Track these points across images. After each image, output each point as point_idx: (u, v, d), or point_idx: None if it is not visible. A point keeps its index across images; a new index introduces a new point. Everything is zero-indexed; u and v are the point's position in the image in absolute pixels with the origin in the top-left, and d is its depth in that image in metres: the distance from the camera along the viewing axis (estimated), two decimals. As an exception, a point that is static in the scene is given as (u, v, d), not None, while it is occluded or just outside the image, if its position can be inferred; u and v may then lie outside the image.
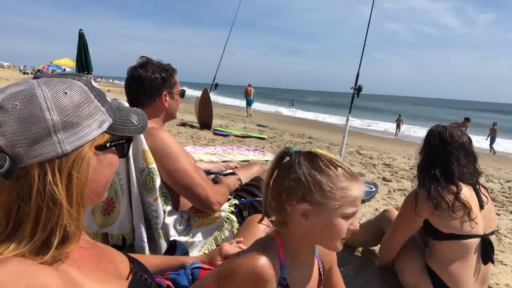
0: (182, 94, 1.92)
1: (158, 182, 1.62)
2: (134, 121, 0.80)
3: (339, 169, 0.96)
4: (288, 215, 0.95)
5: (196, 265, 1.12)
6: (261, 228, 1.46)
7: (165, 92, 1.79)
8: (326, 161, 0.96)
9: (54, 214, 0.65)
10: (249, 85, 20.57)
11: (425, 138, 1.98)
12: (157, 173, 1.62)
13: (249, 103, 20.29)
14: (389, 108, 46.80)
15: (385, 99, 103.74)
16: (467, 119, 15.45)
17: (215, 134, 8.03)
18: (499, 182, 6.26)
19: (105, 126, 0.73)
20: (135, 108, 0.85)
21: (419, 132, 19.16)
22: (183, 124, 8.98)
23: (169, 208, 1.67)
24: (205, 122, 8.86)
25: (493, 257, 1.86)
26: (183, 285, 1.03)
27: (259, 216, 1.65)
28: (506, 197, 4.88)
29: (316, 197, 0.92)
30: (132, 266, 0.86)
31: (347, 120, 6.06)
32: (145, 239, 1.64)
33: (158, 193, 1.62)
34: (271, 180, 1.00)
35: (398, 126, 20.51)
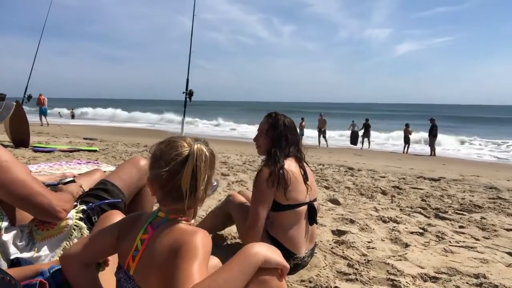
0: (1, 98, 1.71)
1: (-13, 197, 1.42)
2: None
3: None
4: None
5: (57, 268, 1.06)
6: None
7: None
8: None
9: None
10: (41, 95, 19.99)
11: (272, 124, 2.24)
12: (-16, 187, 1.41)
13: (43, 113, 19.76)
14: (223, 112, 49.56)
15: (215, 105, 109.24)
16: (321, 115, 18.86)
17: (35, 151, 7.05)
18: (313, 166, 7.49)
19: None
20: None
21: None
22: (-9, 144, 7.57)
23: (5, 224, 1.47)
24: (20, 139, 7.64)
25: (316, 219, 2.30)
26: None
27: (114, 212, 1.63)
28: (319, 176, 5.90)
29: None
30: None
31: (183, 123, 6.25)
32: (-24, 264, 1.41)
33: (-11, 209, 1.41)
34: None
35: None
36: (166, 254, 1.01)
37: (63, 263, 1.16)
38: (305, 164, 2.32)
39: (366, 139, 18.87)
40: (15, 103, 1.73)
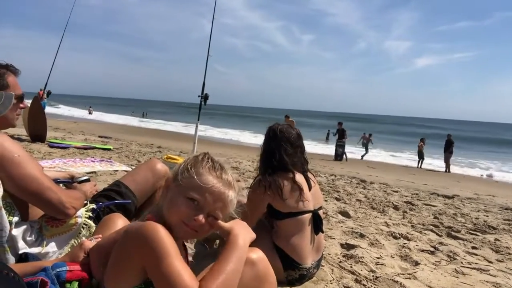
0: (20, 98, 1.74)
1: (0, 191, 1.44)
2: None
3: (210, 162, 1.11)
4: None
5: (63, 268, 1.06)
6: (119, 225, 1.46)
7: None
8: (208, 157, 1.14)
9: None
10: (41, 90, 21.18)
11: (266, 137, 2.34)
12: (-3, 181, 1.44)
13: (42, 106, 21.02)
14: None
15: (229, 109, 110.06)
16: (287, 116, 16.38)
17: (51, 147, 7.18)
18: (324, 176, 7.42)
19: None
20: None
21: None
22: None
23: (16, 219, 1.49)
24: (37, 134, 7.81)
25: (322, 228, 2.28)
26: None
27: (116, 214, 1.63)
28: (331, 187, 5.84)
29: (178, 174, 1.09)
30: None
31: (197, 126, 6.28)
32: (-15, 256, 1.42)
33: (1, 203, 1.43)
34: None
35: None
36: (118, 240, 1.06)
37: (93, 252, 1.19)
38: (308, 172, 2.33)
39: (340, 150, 16.10)
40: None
